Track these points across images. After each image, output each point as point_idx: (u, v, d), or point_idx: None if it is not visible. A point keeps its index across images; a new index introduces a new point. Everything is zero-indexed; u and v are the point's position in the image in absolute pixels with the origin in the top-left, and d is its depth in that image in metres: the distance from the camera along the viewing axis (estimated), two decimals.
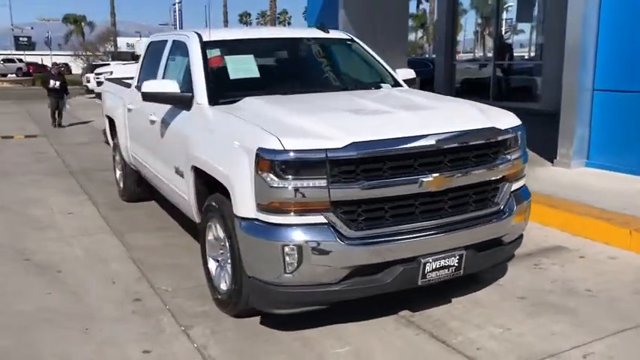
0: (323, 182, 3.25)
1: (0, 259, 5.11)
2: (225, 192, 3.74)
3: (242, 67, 4.61)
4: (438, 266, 3.52)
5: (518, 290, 4.20)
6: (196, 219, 4.37)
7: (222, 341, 3.58)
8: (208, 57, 4.60)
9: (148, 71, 5.91)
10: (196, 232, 5.43)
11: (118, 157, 7.10)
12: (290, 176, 3.24)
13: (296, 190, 3.24)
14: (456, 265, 3.59)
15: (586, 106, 7.17)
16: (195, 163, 4.09)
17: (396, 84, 5.03)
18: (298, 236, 3.27)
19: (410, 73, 5.30)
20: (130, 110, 6.06)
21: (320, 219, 3.29)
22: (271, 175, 3.26)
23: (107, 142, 8.06)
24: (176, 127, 4.55)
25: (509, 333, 3.58)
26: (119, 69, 18.42)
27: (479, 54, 17.95)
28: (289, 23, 77.19)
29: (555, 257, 4.79)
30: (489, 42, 16.28)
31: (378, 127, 3.47)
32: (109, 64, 26.00)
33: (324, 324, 3.72)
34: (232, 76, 4.53)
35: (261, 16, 78.45)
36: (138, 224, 6.09)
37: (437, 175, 3.45)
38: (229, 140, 3.62)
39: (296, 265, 3.29)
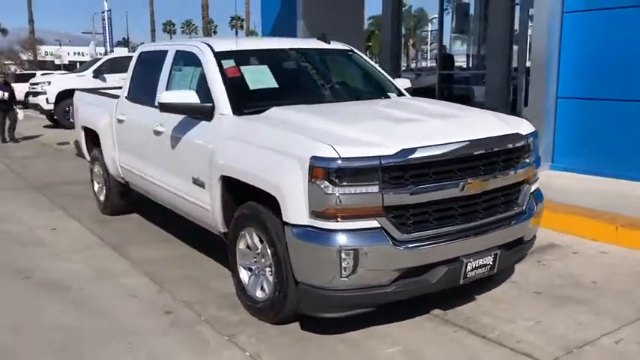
0: (376, 188, 3.38)
1: (1, 277, 4.91)
2: (261, 200, 3.82)
3: (259, 77, 4.67)
4: (477, 265, 3.73)
5: (532, 286, 4.47)
6: (221, 229, 4.38)
7: (273, 348, 3.62)
8: (224, 67, 4.63)
9: (142, 82, 5.85)
10: (198, 242, 5.48)
11: (97, 170, 6.93)
12: (345, 183, 3.35)
13: (350, 196, 3.36)
14: (491, 263, 3.81)
15: (551, 112, 7.66)
16: (225, 173, 4.11)
17: (399, 93, 5.23)
18: (354, 241, 3.38)
19: (407, 83, 5.53)
20: (120, 121, 5.95)
21: (373, 224, 3.42)
22: (326, 183, 3.36)
23: (80, 155, 7.83)
24: (195, 138, 4.54)
25: (540, 325, 3.83)
26: (58, 79, 17.76)
27: (423, 64, 18.54)
28: (215, 32, 76.62)
29: (553, 254, 5.13)
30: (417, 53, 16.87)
31: (421, 134, 3.64)
32: (34, 74, 24.90)
33: (362, 326, 3.83)
34: (252, 86, 4.58)
35: (186, 26, 77.44)
36: (131, 237, 5.98)
37: (475, 179, 3.66)
38: (274, 150, 3.68)
39: (351, 269, 3.40)
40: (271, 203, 3.72)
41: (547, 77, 7.54)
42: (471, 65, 15.92)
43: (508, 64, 13.04)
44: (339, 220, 3.39)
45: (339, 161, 3.35)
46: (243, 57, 4.85)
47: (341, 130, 3.66)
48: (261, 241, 3.93)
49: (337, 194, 3.35)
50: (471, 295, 4.27)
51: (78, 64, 36.01)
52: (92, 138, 6.97)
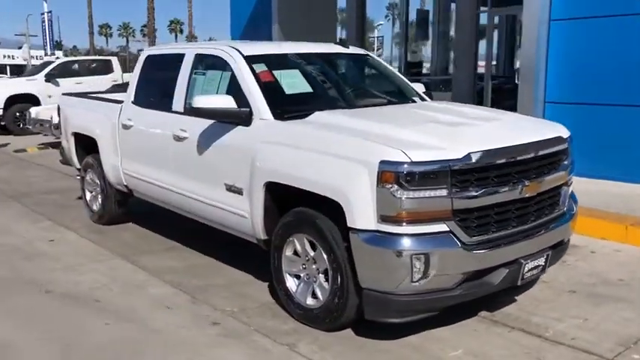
0: (445, 191, 3.39)
1: (17, 293, 4.63)
2: (314, 206, 3.77)
3: (292, 82, 4.61)
4: (532, 267, 3.80)
5: (564, 285, 4.60)
6: (261, 236, 4.28)
7: (339, 355, 3.57)
8: (257, 72, 4.54)
9: (152, 87, 5.68)
10: (208, 250, 5.37)
11: (91, 178, 6.65)
12: (415, 187, 3.35)
13: (421, 200, 3.36)
14: (543, 264, 3.90)
15: (539, 116, 7.89)
16: (272, 179, 4.03)
17: (421, 97, 5.27)
18: (425, 245, 3.39)
19: (422, 88, 5.58)
20: (126, 127, 5.73)
21: (442, 227, 3.43)
22: (395, 187, 3.34)
23: (65, 162, 7.49)
24: (230, 144, 4.42)
25: (589, 323, 3.95)
26: (7, 84, 16.98)
27: None
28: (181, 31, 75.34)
29: (574, 254, 5.26)
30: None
31: (481, 137, 3.69)
32: None
33: (417, 331, 3.82)
34: (287, 91, 4.51)
35: (123, 29, 75.53)
36: (137, 247, 5.77)
37: (531, 181, 3.73)
38: (335, 155, 3.63)
39: (422, 273, 3.40)
40: (328, 209, 3.69)
41: (536, 82, 7.79)
42: (431, 71, 16.25)
43: (474, 70, 13.43)
44: (408, 224, 3.39)
45: (410, 165, 3.34)
46: (272, 61, 4.77)
47: (402, 135, 3.65)
48: (314, 248, 3.88)
49: (407, 198, 3.34)
50: (511, 296, 4.35)
51: (7, 68, 34.37)
52: (85, 145, 6.70)
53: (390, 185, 3.35)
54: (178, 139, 4.96)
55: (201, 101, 4.35)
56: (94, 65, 17.94)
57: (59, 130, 7.40)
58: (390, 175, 3.36)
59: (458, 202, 3.43)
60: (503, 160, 3.59)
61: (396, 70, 5.47)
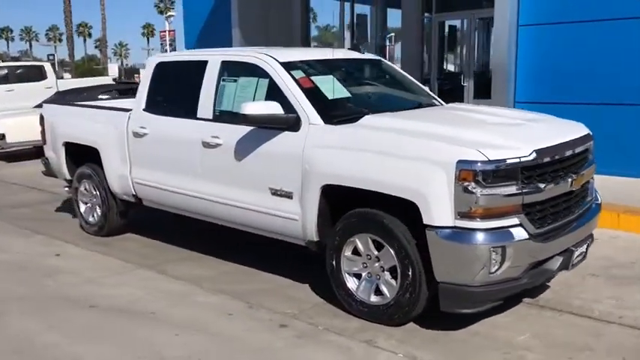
0: (516, 187, 3.66)
1: (61, 309, 4.47)
2: (375, 206, 3.94)
3: (330, 87, 4.71)
4: (579, 253, 4.14)
5: (583, 270, 4.95)
6: (314, 237, 4.37)
7: (421, 348, 3.74)
8: (297, 78, 4.64)
9: (169, 94, 5.62)
10: (229, 257, 5.43)
11: (86, 189, 6.44)
12: (491, 184, 3.59)
13: (496, 196, 3.61)
14: (585, 251, 4.26)
15: None
16: (330, 182, 4.14)
17: (437, 101, 5.53)
18: (501, 238, 3.63)
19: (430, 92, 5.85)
20: (139, 135, 5.61)
21: (514, 221, 3.68)
22: (473, 184, 3.57)
23: (48, 174, 7.17)
24: (278, 149, 4.47)
25: (625, 302, 4.34)
26: None
27: None
28: (60, 40, 72.09)
29: None
30: None
31: (537, 136, 3.98)
32: None
33: (475, 320, 4.07)
34: (329, 96, 4.63)
35: (25, 33, 71.60)
36: (153, 257, 5.67)
37: (577, 175, 4.07)
38: (404, 156, 3.80)
39: (499, 264, 3.64)
40: (394, 208, 3.87)
41: (507, 84, 8.29)
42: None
43: (421, 74, 13.95)
44: (484, 219, 3.62)
45: (487, 164, 3.58)
46: (306, 67, 4.87)
47: (467, 135, 3.88)
48: (377, 247, 4.03)
49: (484, 195, 3.58)
50: (542, 282, 4.68)
51: None
52: (77, 155, 6.50)
53: (468, 183, 3.57)
54: (209, 145, 4.95)
55: (250, 108, 4.39)
56: (25, 71, 17.05)
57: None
58: (467, 173, 3.57)
59: (527, 197, 3.70)
60: (559, 156, 3.91)
61: (406, 74, 5.69)
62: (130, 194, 5.96)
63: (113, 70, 40.09)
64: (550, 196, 3.86)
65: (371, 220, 4.03)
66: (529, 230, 3.73)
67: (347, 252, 4.20)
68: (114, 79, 22.64)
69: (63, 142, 6.59)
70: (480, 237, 3.61)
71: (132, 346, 3.86)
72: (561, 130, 4.28)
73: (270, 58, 4.77)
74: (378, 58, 5.75)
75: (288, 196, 4.46)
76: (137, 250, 5.92)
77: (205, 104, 5.08)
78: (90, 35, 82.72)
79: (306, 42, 14.38)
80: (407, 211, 3.81)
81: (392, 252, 3.93)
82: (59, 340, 3.94)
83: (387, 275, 4.03)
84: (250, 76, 4.88)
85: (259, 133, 4.61)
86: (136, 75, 32.79)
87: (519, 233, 3.69)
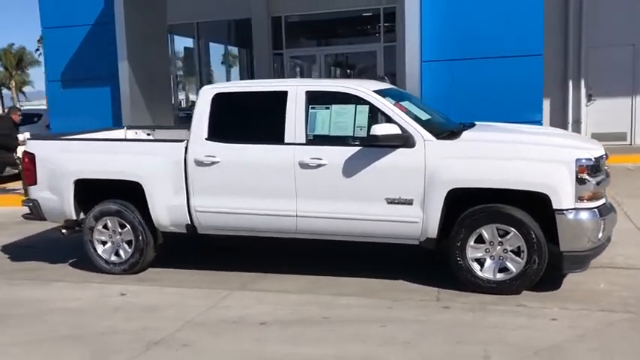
0: (602, 176, 5.11)
1: (237, 330, 4.62)
2: (492, 200, 5.06)
3: (415, 110, 5.67)
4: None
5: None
6: (434, 235, 5.25)
7: (556, 300, 4.91)
8: (393, 103, 5.50)
9: (236, 123, 5.89)
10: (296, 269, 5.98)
11: (106, 227, 6.18)
12: (595, 175, 4.99)
13: (596, 183, 5.01)
14: None
15: None
16: (456, 185, 5.09)
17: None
18: (603, 213, 5.04)
19: None
20: (205, 163, 5.73)
21: (603, 200, 5.13)
22: (586, 176, 4.93)
23: (36, 218, 6.55)
24: (396, 163, 5.24)
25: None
26: None
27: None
28: None
29: None
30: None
31: (588, 145, 5.42)
32: None
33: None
34: (422, 117, 5.57)
35: None
36: (224, 281, 5.81)
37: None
38: (529, 159, 4.98)
39: (602, 232, 5.03)
40: (515, 201, 5.03)
41: (420, 45, 9.89)
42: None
43: None
44: (591, 200, 4.99)
45: (593, 160, 4.98)
46: (387, 95, 5.71)
47: (561, 142, 5.26)
48: (501, 234, 5.11)
49: (593, 183, 4.96)
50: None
51: None
52: (93, 193, 6.22)
53: (582, 175, 4.91)
54: (308, 166, 5.47)
55: (381, 129, 5.14)
56: None
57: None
58: (583, 168, 4.92)
59: (604, 183, 5.18)
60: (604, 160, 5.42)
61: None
62: (183, 224, 5.99)
63: None
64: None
65: (498, 212, 5.10)
66: (609, 206, 5.20)
67: (471, 242, 5.19)
68: None
69: (74, 180, 6.20)
70: (593, 214, 4.96)
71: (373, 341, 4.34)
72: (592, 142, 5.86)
73: (364, 88, 5.54)
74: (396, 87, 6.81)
75: (408, 202, 5.27)
76: (198, 279, 5.96)
77: (295, 130, 5.56)
78: None
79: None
80: (527, 202, 4.99)
81: (519, 235, 5.05)
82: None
83: (512, 255, 5.12)
84: (344, 104, 5.56)
85: (369, 151, 5.34)
86: None
87: (608, 208, 5.15)
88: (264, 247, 6.69)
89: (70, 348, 4.46)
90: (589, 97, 13.53)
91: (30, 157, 6.43)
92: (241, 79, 16.56)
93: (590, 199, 4.98)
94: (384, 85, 6.17)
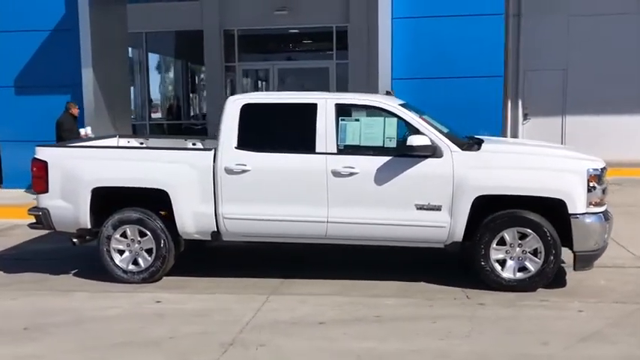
0: (605, 185, 5.79)
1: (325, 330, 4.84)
2: (514, 206, 5.62)
3: (437, 123, 6.12)
4: None
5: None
6: (460, 239, 5.71)
7: (577, 295, 5.49)
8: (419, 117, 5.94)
9: (266, 133, 6.09)
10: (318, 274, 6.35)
11: (125, 235, 6.15)
12: (601, 183, 5.65)
13: (602, 191, 5.68)
14: None
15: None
16: (484, 192, 5.58)
17: None
18: (607, 217, 5.70)
19: None
20: (235, 171, 5.88)
21: (605, 206, 5.79)
22: (595, 184, 5.58)
23: (45, 227, 6.38)
24: (426, 172, 5.66)
25: None
26: None
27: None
28: None
29: None
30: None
31: (593, 157, 6.07)
32: None
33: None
34: (444, 130, 6.03)
35: None
36: (252, 287, 5.96)
37: None
38: (549, 169, 5.58)
39: (607, 234, 5.69)
40: (534, 206, 5.60)
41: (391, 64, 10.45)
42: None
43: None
44: (598, 206, 5.65)
45: (599, 170, 5.64)
46: (409, 108, 6.13)
47: (573, 154, 5.93)
48: (519, 237, 5.64)
49: (598, 189, 5.62)
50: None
51: None
52: (110, 201, 6.20)
53: (593, 183, 5.56)
54: (340, 175, 5.78)
55: (416, 140, 5.56)
56: None
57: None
58: (593, 177, 5.57)
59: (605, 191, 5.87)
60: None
61: None
62: (209, 231, 6.09)
63: None
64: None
65: (519, 217, 5.63)
66: (609, 212, 5.89)
67: (494, 244, 5.68)
68: None
69: (92, 188, 6.13)
70: (600, 218, 5.61)
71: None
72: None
73: (391, 101, 5.95)
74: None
75: (437, 208, 5.70)
76: (223, 285, 6.06)
77: (326, 140, 5.86)
78: None
79: None
80: (544, 207, 5.57)
81: (538, 238, 5.60)
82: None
83: (530, 254, 5.66)
84: (372, 117, 5.93)
85: (399, 161, 5.74)
86: None
87: (609, 214, 5.83)
88: (271, 252, 6.89)
89: (142, 352, 4.49)
90: (525, 116, 14.66)
91: (41, 164, 6.28)
92: (193, 92, 16.51)
93: (597, 204, 5.63)
94: (399, 100, 6.60)
